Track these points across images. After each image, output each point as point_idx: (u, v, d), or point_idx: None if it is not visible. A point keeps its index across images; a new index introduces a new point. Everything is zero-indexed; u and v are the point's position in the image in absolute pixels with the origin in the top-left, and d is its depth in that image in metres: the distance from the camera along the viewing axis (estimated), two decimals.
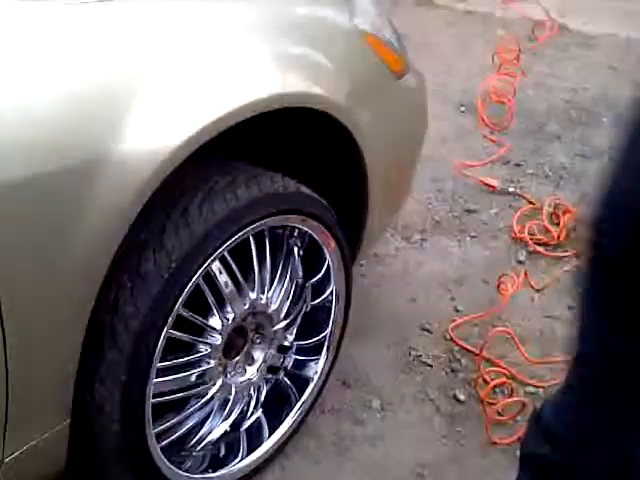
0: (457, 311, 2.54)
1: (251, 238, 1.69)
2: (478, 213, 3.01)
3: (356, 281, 2.45)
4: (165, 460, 1.67)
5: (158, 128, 1.41)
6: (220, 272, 1.65)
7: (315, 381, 2.00)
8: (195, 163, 1.56)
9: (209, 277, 1.63)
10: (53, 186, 1.29)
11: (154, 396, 1.60)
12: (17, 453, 1.40)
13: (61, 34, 1.34)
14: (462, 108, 3.73)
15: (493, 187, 3.11)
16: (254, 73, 1.58)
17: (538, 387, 2.27)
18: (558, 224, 2.89)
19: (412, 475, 2.01)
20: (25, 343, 1.32)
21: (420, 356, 2.36)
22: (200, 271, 1.56)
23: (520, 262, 2.76)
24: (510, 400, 2.19)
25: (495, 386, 2.24)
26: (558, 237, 2.84)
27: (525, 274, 2.63)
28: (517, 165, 3.32)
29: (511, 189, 3.12)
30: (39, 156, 1.27)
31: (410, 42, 4.09)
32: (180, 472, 1.72)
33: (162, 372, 1.62)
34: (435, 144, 3.36)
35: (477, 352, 2.32)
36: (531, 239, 2.83)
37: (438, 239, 2.86)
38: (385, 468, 2.01)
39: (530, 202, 3.04)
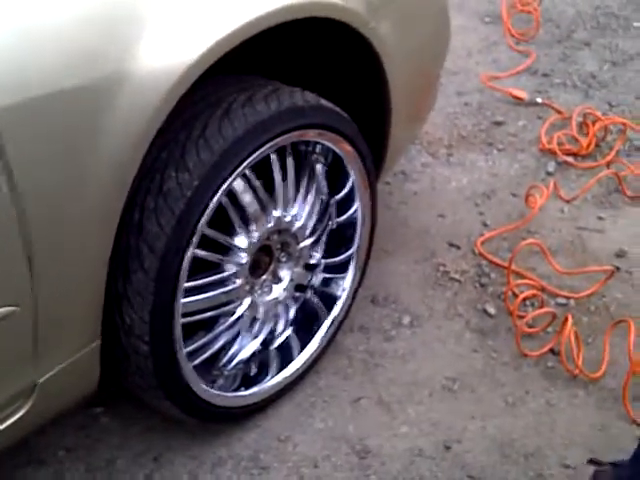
0: (485, 225, 2.51)
1: (273, 154, 1.66)
2: (505, 125, 2.94)
3: (383, 199, 2.44)
4: (197, 378, 1.68)
5: (174, 44, 1.37)
6: (243, 190, 1.63)
7: (343, 298, 1.99)
8: (213, 81, 1.53)
9: (232, 195, 1.62)
10: (71, 105, 1.27)
11: (183, 316, 1.60)
12: (49, 375, 1.41)
13: None
14: (487, 19, 3.62)
15: (521, 98, 3.03)
16: None
17: (568, 298, 2.25)
18: (587, 134, 2.82)
19: (444, 389, 2.01)
20: (51, 264, 1.31)
21: (449, 271, 2.34)
22: (223, 189, 1.54)
23: (549, 174, 2.71)
24: (540, 311, 2.17)
25: (525, 298, 2.22)
26: (587, 147, 2.78)
27: (554, 185, 2.58)
28: (545, 75, 3.24)
29: (539, 100, 3.05)
30: (57, 76, 1.24)
31: None
32: (212, 390, 1.73)
33: (190, 292, 1.61)
34: (460, 57, 3.28)
35: (506, 265, 2.29)
36: (560, 150, 2.77)
37: (465, 154, 2.80)
38: (416, 383, 2.02)
39: (559, 112, 2.97)
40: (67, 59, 1.25)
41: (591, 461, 1.66)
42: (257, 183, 1.65)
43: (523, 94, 3.04)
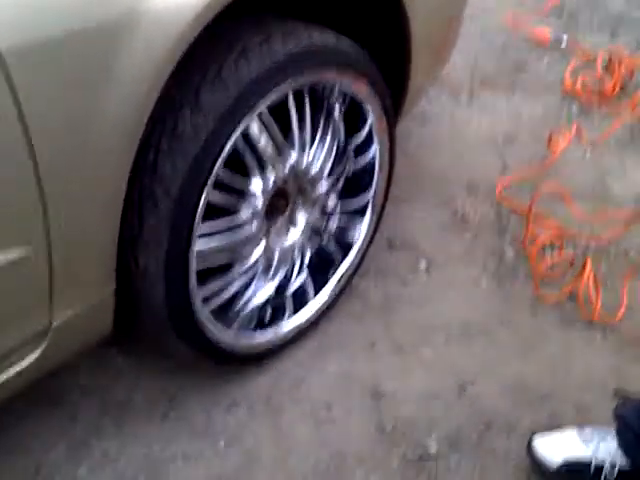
0: (506, 168, 2.47)
1: (290, 95, 1.63)
2: (529, 67, 2.89)
3: (401, 142, 2.40)
4: (212, 320, 1.68)
5: None
6: (259, 132, 1.61)
7: (359, 243, 1.98)
8: (229, 22, 1.50)
9: (248, 138, 1.59)
10: (85, 44, 1.23)
11: (198, 259, 1.59)
12: (64, 318, 1.41)
13: None
14: None
15: (545, 40, 2.97)
16: None
17: (589, 242, 2.22)
18: (613, 75, 2.76)
19: (459, 333, 2.00)
20: (64, 204, 1.30)
21: (467, 215, 2.32)
22: (238, 131, 1.51)
23: (572, 116, 2.66)
24: (559, 256, 2.15)
25: (544, 243, 2.20)
26: (613, 89, 2.72)
27: (577, 129, 2.53)
28: (570, 16, 3.16)
29: (564, 41, 2.98)
30: (71, 13, 1.21)
31: None
32: (228, 333, 1.73)
33: (205, 236, 1.60)
34: None
35: (526, 210, 2.27)
36: (584, 92, 2.71)
37: (486, 96, 2.76)
38: (432, 327, 2.01)
39: (584, 53, 2.90)
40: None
41: (617, 392, 1.66)
42: (274, 125, 1.63)
43: (547, 34, 2.97)
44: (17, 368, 1.40)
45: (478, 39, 3.01)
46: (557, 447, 1.67)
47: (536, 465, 1.69)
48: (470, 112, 2.69)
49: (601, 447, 1.63)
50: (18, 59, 1.15)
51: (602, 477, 1.61)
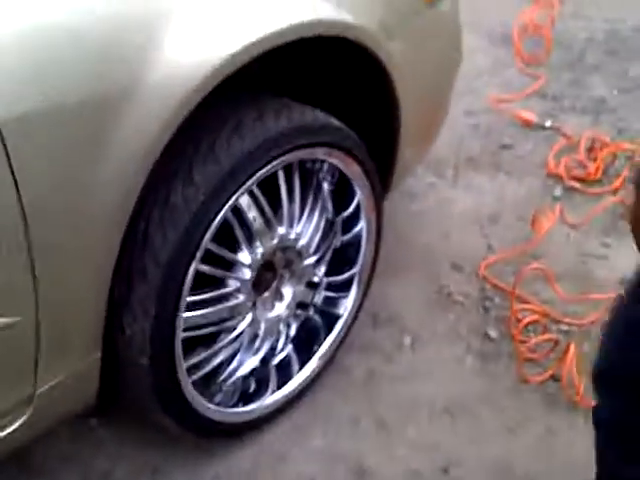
0: (490, 248, 2.50)
1: (280, 171, 1.65)
2: (513, 148, 2.94)
3: (388, 218, 2.42)
4: (196, 394, 1.67)
5: (186, 57, 1.37)
6: (249, 206, 1.63)
7: (345, 317, 1.98)
8: (224, 97, 1.53)
9: (238, 211, 1.61)
10: (82, 114, 1.27)
11: (184, 330, 1.59)
12: (48, 386, 1.41)
13: None
14: (498, 41, 3.62)
15: (529, 121, 3.03)
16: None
17: (572, 325, 2.24)
18: (595, 159, 2.82)
19: (443, 412, 2.00)
20: (54, 274, 1.31)
21: (452, 294, 2.33)
22: (228, 204, 1.53)
23: (556, 198, 2.70)
24: (543, 337, 2.16)
25: (528, 324, 2.21)
26: (595, 172, 2.77)
27: (560, 210, 2.57)
28: (554, 99, 3.23)
29: (548, 123, 3.04)
30: (67, 85, 1.24)
31: None
32: (211, 405, 1.72)
33: (192, 306, 1.61)
34: (470, 77, 3.26)
35: (510, 289, 2.28)
36: (567, 175, 2.76)
37: (472, 175, 2.80)
38: (416, 404, 2.00)
39: (567, 137, 2.96)
40: (76, 70, 1.25)
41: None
42: (263, 200, 1.65)
43: (532, 117, 3.04)
44: (2, 434, 1.38)
45: (463, 119, 3.07)
46: None
47: None
48: (455, 191, 2.72)
49: None
50: (14, 130, 1.16)
51: None
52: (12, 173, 1.18)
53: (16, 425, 1.40)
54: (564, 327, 2.24)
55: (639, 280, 1.29)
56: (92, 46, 1.26)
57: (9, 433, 1.39)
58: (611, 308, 1.40)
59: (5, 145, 1.16)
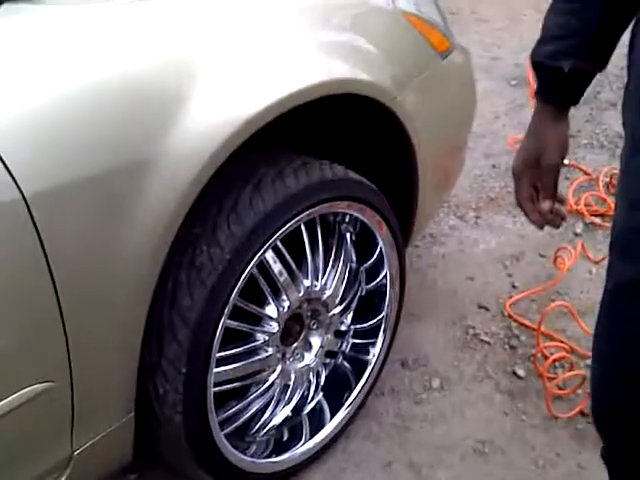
0: (514, 287, 2.53)
1: (302, 226, 1.71)
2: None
3: (412, 262, 2.48)
4: (229, 446, 1.71)
5: (211, 118, 1.43)
6: (274, 261, 1.68)
7: (373, 363, 2.02)
8: (243, 157, 1.59)
9: (263, 267, 1.66)
10: (108, 184, 1.32)
11: (215, 385, 1.64)
12: (85, 446, 1.45)
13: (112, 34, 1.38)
14: (514, 82, 3.69)
15: None
16: (300, 60, 1.59)
17: None
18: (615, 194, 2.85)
19: (474, 452, 2.02)
20: (86, 339, 1.36)
21: (478, 334, 2.36)
22: (253, 262, 1.58)
23: (577, 235, 2.74)
24: (570, 374, 2.18)
25: (555, 360, 2.23)
26: None
27: (582, 246, 2.60)
28: (571, 136, 3.26)
29: (566, 161, 3.07)
30: (92, 155, 1.30)
31: (460, 17, 4.07)
32: (245, 457, 1.76)
33: (222, 361, 1.65)
34: (488, 120, 3.34)
35: (535, 327, 2.31)
36: (587, 211, 2.80)
37: (493, 216, 2.84)
38: (446, 446, 2.03)
39: (586, 173, 3.00)
40: (101, 143, 1.32)
41: None
42: (287, 255, 1.70)
43: None
44: None
45: (483, 161, 3.12)
46: None
47: None
48: (477, 232, 2.77)
49: None
50: (38, 202, 1.23)
51: None
52: (42, 245, 1.24)
53: None
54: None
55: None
56: (111, 122, 1.33)
57: None
58: None
59: (33, 219, 1.22)
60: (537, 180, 1.38)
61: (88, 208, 1.30)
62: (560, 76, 1.29)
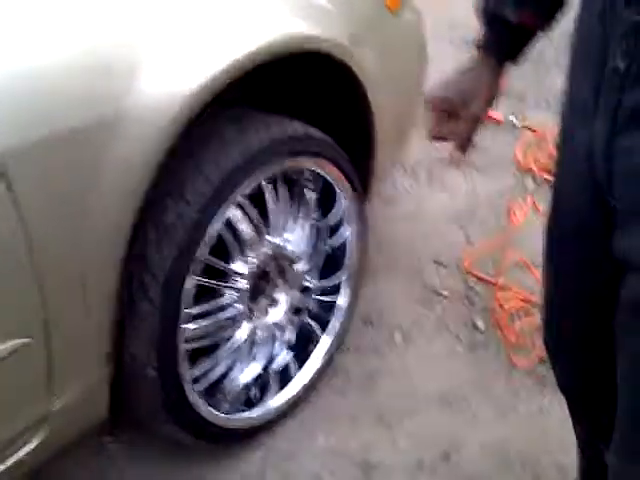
0: (470, 243, 2.59)
1: (264, 183, 1.73)
2: (485, 147, 3.03)
3: (370, 224, 2.51)
4: (202, 402, 1.74)
5: (171, 80, 1.44)
6: (239, 218, 1.70)
7: (339, 320, 2.05)
8: (206, 115, 1.60)
9: (229, 224, 1.68)
10: (75, 143, 1.34)
11: (187, 341, 1.66)
12: (62, 404, 1.46)
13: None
14: (462, 45, 3.72)
15: (499, 121, 3.13)
16: (259, 19, 1.61)
17: None
18: None
19: (439, 402, 2.07)
20: (60, 295, 1.37)
21: (437, 289, 2.41)
22: (220, 218, 1.60)
23: (528, 190, 2.80)
24: (526, 321, 2.25)
25: (512, 311, 2.29)
26: None
27: (533, 201, 2.67)
28: (519, 97, 3.34)
29: (515, 121, 3.15)
30: (62, 116, 1.31)
31: None
32: (218, 414, 1.78)
33: (193, 318, 1.67)
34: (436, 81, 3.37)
35: (492, 280, 2.37)
36: (537, 167, 2.86)
37: (445, 176, 2.89)
38: (412, 397, 2.08)
39: (534, 131, 3.07)
40: (71, 101, 1.33)
41: None
42: (252, 210, 1.72)
43: (500, 116, 3.14)
44: (19, 455, 1.44)
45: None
46: None
47: None
48: (431, 191, 2.81)
49: None
50: (11, 158, 1.24)
51: None
52: (15, 203, 1.24)
53: (33, 444, 1.45)
54: None
55: None
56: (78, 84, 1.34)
57: (27, 453, 1.45)
58: None
59: (7, 175, 1.22)
60: (449, 120, 1.33)
61: (60, 162, 1.31)
62: (505, 28, 1.28)
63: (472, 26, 1.40)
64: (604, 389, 1.29)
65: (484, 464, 1.91)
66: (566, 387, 1.46)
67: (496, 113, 3.15)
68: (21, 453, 1.45)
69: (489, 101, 1.33)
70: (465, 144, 1.36)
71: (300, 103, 1.97)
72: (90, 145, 1.35)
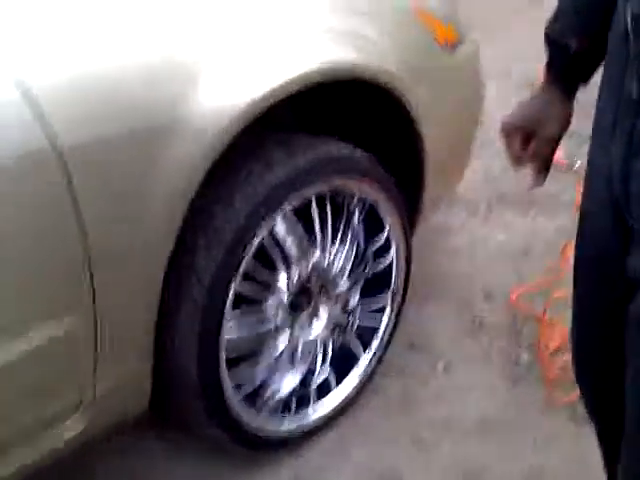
0: (521, 279, 2.62)
1: (313, 201, 1.82)
2: (545, 187, 3.05)
3: (423, 252, 2.58)
4: (242, 408, 1.82)
5: (226, 93, 1.56)
6: (285, 233, 1.79)
7: (379, 341, 2.12)
8: (254, 137, 1.70)
9: (275, 238, 1.78)
10: (138, 140, 1.46)
11: (227, 348, 1.75)
12: (106, 390, 1.57)
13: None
14: (525, 86, 3.77)
15: (560, 161, 3.16)
16: (309, 45, 1.72)
17: None
18: None
19: (476, 432, 2.10)
20: (111, 287, 1.49)
21: (484, 321, 2.45)
22: (265, 227, 1.70)
23: None
24: (567, 358, 2.26)
25: (557, 348, 2.32)
26: None
27: None
28: (580, 137, 3.35)
29: (577, 164, 3.17)
30: (124, 112, 1.45)
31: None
32: (256, 421, 1.87)
33: (234, 325, 1.77)
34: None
35: (539, 316, 2.40)
36: None
37: (504, 212, 2.94)
38: (451, 424, 2.12)
39: None
40: (133, 103, 1.46)
41: None
42: (298, 227, 1.81)
43: (561, 156, 3.17)
44: (61, 436, 1.55)
45: (497, 160, 3.21)
46: None
47: None
48: (488, 227, 2.86)
49: None
50: (73, 154, 1.36)
51: None
52: (74, 193, 1.36)
53: (77, 427, 1.56)
54: None
55: None
56: (141, 88, 1.47)
57: (70, 436, 1.55)
58: None
59: (67, 167, 1.35)
60: (525, 145, 1.41)
61: (117, 161, 1.44)
62: (568, 54, 1.33)
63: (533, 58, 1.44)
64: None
65: None
66: (591, 410, 1.49)
67: (558, 153, 3.18)
68: (65, 433, 1.55)
69: (562, 122, 1.39)
70: (544, 167, 1.43)
71: (358, 132, 2.06)
72: (147, 146, 1.47)
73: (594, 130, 1.28)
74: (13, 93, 1.31)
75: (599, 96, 1.26)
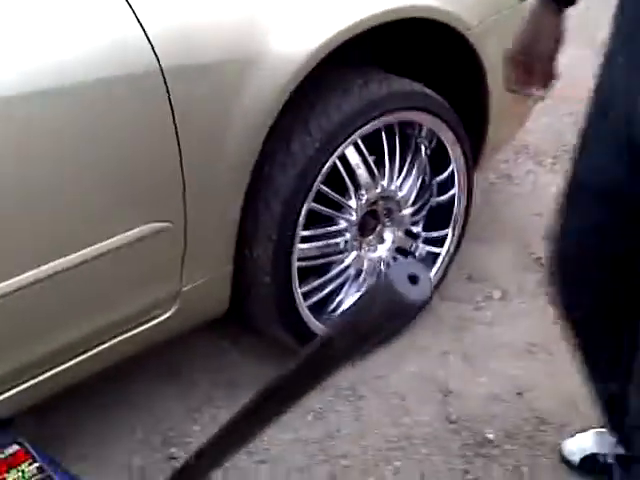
0: None
1: (382, 131, 2.01)
2: None
3: (487, 197, 2.75)
4: (310, 314, 2.05)
5: (303, 31, 1.77)
6: (356, 159, 1.99)
7: (436, 270, 2.32)
8: (334, 67, 1.90)
9: (347, 163, 1.98)
10: (222, 74, 1.68)
11: (300, 260, 1.97)
12: (191, 286, 1.80)
13: None
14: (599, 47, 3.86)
15: None
16: None
17: None
18: None
19: (524, 351, 2.28)
20: (200, 191, 1.70)
21: (540, 258, 2.61)
22: (337, 152, 1.91)
23: None
24: None
25: None
26: None
27: None
28: None
29: None
30: (216, 49, 1.66)
31: None
32: (323, 327, 2.08)
33: (306, 239, 1.98)
34: (576, 85, 3.53)
35: None
36: None
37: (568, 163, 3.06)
38: (499, 344, 2.31)
39: None
40: (224, 37, 1.67)
41: None
42: (368, 155, 2.01)
43: None
44: (154, 323, 1.79)
45: (567, 118, 3.33)
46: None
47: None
48: (552, 175, 3.00)
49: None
50: (172, 75, 1.57)
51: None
52: (171, 108, 1.58)
53: (167, 316, 1.80)
54: None
55: None
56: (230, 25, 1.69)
57: (162, 321, 1.80)
58: None
59: (167, 85, 1.57)
60: (530, 69, 1.52)
61: (209, 87, 1.66)
62: None
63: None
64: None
65: (555, 404, 2.11)
66: (577, 311, 1.68)
67: None
68: (158, 320, 1.79)
69: (555, 37, 1.50)
70: (547, 83, 1.54)
71: (428, 75, 2.24)
72: (234, 74, 1.69)
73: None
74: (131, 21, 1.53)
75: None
